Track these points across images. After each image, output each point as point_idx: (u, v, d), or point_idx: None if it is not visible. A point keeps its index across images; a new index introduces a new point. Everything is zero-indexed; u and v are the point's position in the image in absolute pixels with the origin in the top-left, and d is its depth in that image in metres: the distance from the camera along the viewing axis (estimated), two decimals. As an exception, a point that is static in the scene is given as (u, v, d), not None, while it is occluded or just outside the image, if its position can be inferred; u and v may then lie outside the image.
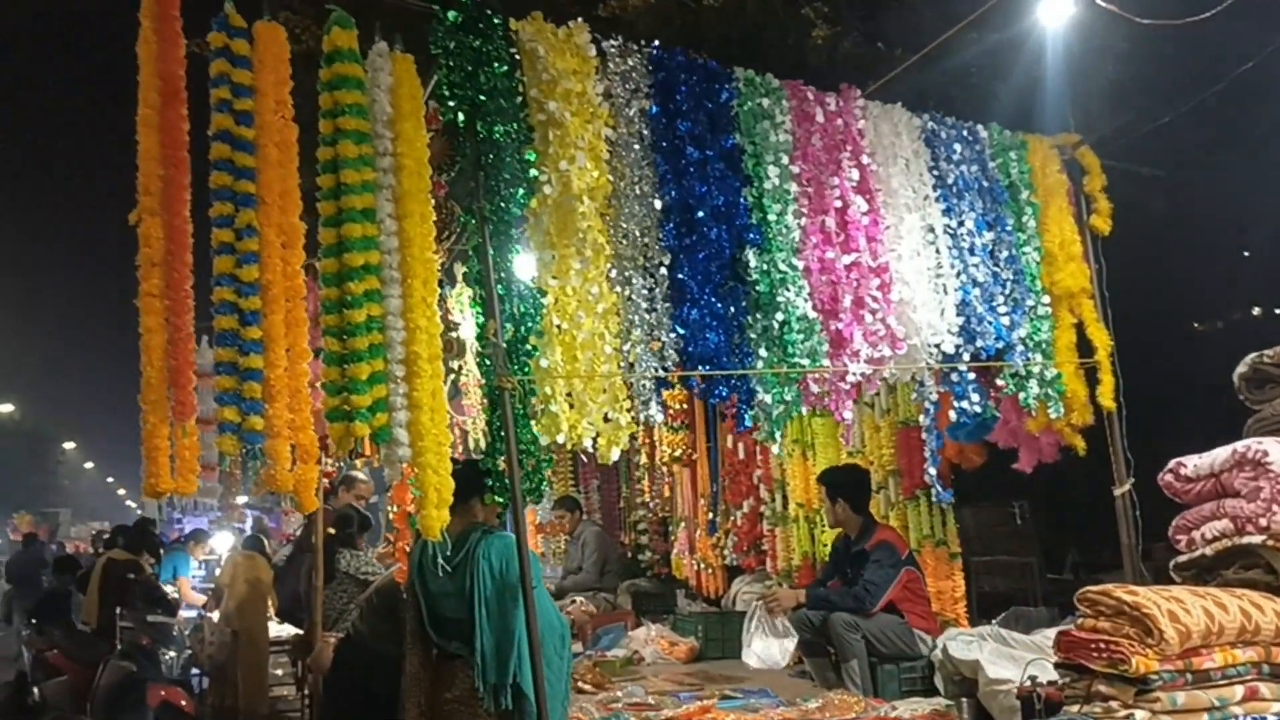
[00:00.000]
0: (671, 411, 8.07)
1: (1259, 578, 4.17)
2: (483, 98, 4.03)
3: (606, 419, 4.21)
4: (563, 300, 4.20)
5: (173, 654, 9.53)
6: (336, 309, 3.76)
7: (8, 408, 43.49)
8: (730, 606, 7.93)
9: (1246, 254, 8.19)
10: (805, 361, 4.58)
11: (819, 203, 4.83)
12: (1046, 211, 5.54)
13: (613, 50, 4.49)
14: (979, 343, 5.18)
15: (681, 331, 4.41)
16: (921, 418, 5.98)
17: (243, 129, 3.66)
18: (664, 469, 9.15)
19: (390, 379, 3.79)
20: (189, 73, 3.67)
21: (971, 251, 5.26)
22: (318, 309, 3.87)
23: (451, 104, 4.01)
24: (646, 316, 4.38)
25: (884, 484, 6.89)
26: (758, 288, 4.59)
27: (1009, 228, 5.43)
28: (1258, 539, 4.20)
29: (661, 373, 4.35)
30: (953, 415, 5.23)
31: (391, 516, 7.64)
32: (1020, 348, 5.31)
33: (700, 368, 4.42)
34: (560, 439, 4.13)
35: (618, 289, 4.36)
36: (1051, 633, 5.29)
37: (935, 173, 5.27)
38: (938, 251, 5.16)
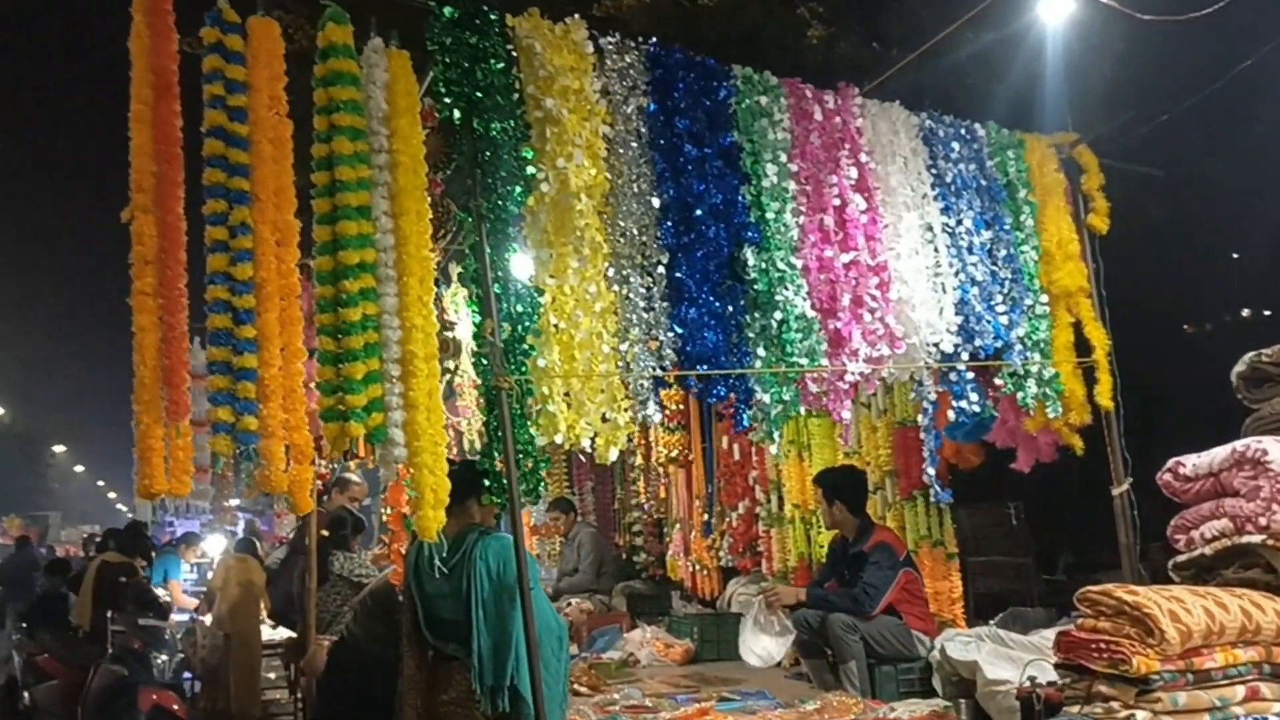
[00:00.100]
0: (668, 412, 8.04)
1: (1259, 577, 4.16)
2: (479, 94, 3.99)
3: (604, 419, 4.18)
4: (560, 299, 4.17)
5: (164, 657, 9.48)
6: (331, 307, 3.71)
7: (-3, 410, 43.30)
8: (725, 608, 7.91)
9: (1235, 255, 8.21)
10: (804, 361, 4.55)
11: (817, 201, 4.80)
12: (1044, 210, 5.53)
13: (610, 47, 4.46)
14: (977, 342, 5.16)
15: (679, 331, 4.38)
16: (920, 417, 5.95)
17: (236, 125, 3.63)
18: (660, 470, 9.12)
19: (386, 378, 3.75)
20: (182, 69, 3.64)
21: (970, 250, 5.24)
22: (312, 308, 3.83)
23: (448, 101, 3.98)
24: (644, 315, 4.35)
25: (881, 485, 6.87)
26: (756, 286, 4.56)
27: (1007, 226, 5.41)
28: (1257, 538, 4.19)
29: (659, 372, 4.32)
30: (951, 415, 5.21)
31: (386, 518, 7.61)
32: (1018, 347, 5.30)
33: (698, 367, 4.39)
34: (558, 439, 4.10)
35: (615, 288, 4.32)
36: (1049, 633, 5.28)
37: (933, 171, 5.25)
38: (936, 250, 5.14)
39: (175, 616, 10.46)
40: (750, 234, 4.59)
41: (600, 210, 4.31)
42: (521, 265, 4.21)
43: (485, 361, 3.98)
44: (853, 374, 4.71)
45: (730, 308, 4.53)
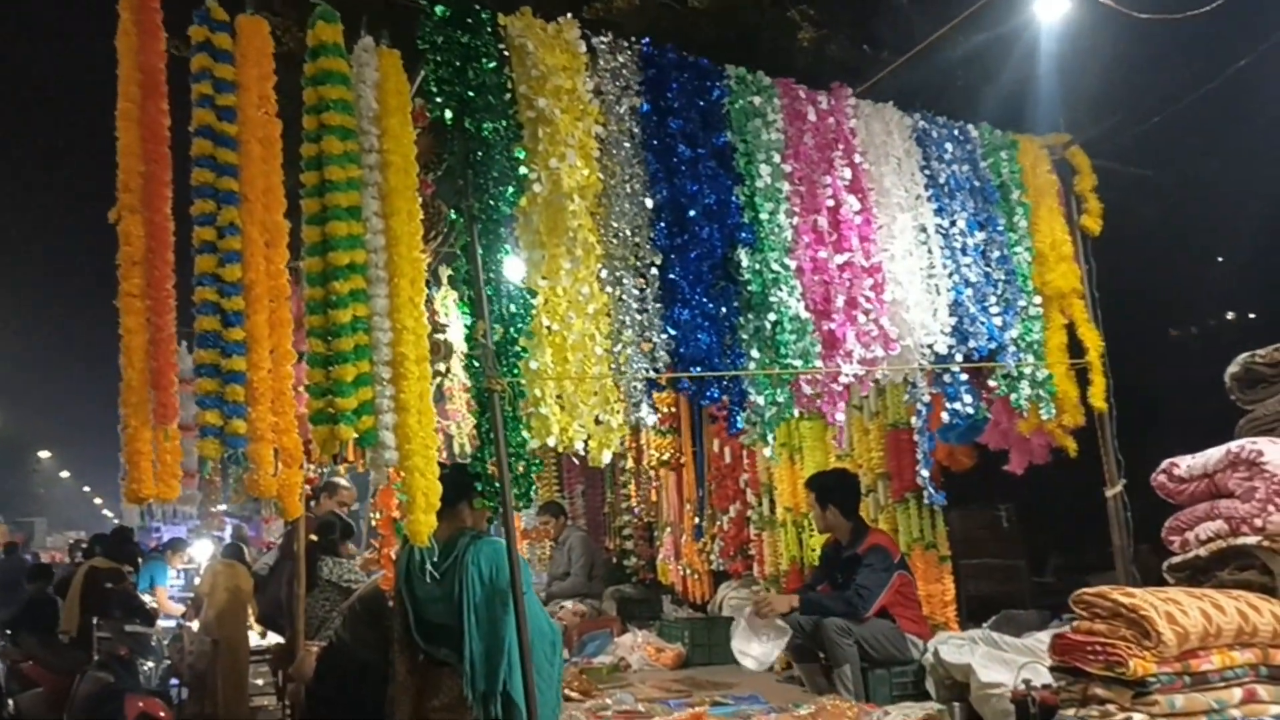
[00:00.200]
0: (660, 414, 8.01)
1: (1254, 578, 4.14)
2: (471, 94, 3.97)
3: (598, 421, 4.15)
4: (553, 301, 4.14)
5: (151, 664, 9.41)
6: (321, 309, 3.68)
7: (-19, 415, 42.97)
8: (717, 612, 7.87)
9: (1220, 259, 8.22)
10: (798, 362, 4.53)
11: (811, 202, 4.78)
12: (1037, 212, 5.52)
13: (603, 47, 4.44)
14: (971, 343, 5.15)
15: (673, 332, 4.35)
16: (914, 419, 5.93)
17: (225, 124, 3.58)
18: (652, 473, 9.09)
19: (376, 381, 3.71)
20: (170, 69, 3.60)
21: (964, 251, 5.23)
22: (301, 311, 3.79)
23: (439, 100, 3.95)
24: (637, 317, 4.32)
25: (873, 487, 6.84)
26: (750, 288, 4.54)
27: (1000, 228, 5.40)
28: (1253, 540, 4.17)
29: (653, 374, 4.29)
30: (945, 417, 5.20)
31: (376, 523, 7.56)
32: (1012, 348, 5.28)
33: (692, 369, 4.37)
34: (551, 441, 4.07)
35: (608, 289, 4.30)
36: (1043, 636, 5.27)
37: (927, 172, 5.24)
38: (930, 251, 5.12)
39: (162, 623, 10.40)
40: (744, 235, 4.57)
41: (593, 211, 4.28)
42: (514, 266, 4.18)
43: (477, 364, 3.95)
44: (847, 376, 4.68)
45: (724, 309, 4.50)
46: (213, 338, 3.48)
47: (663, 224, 4.42)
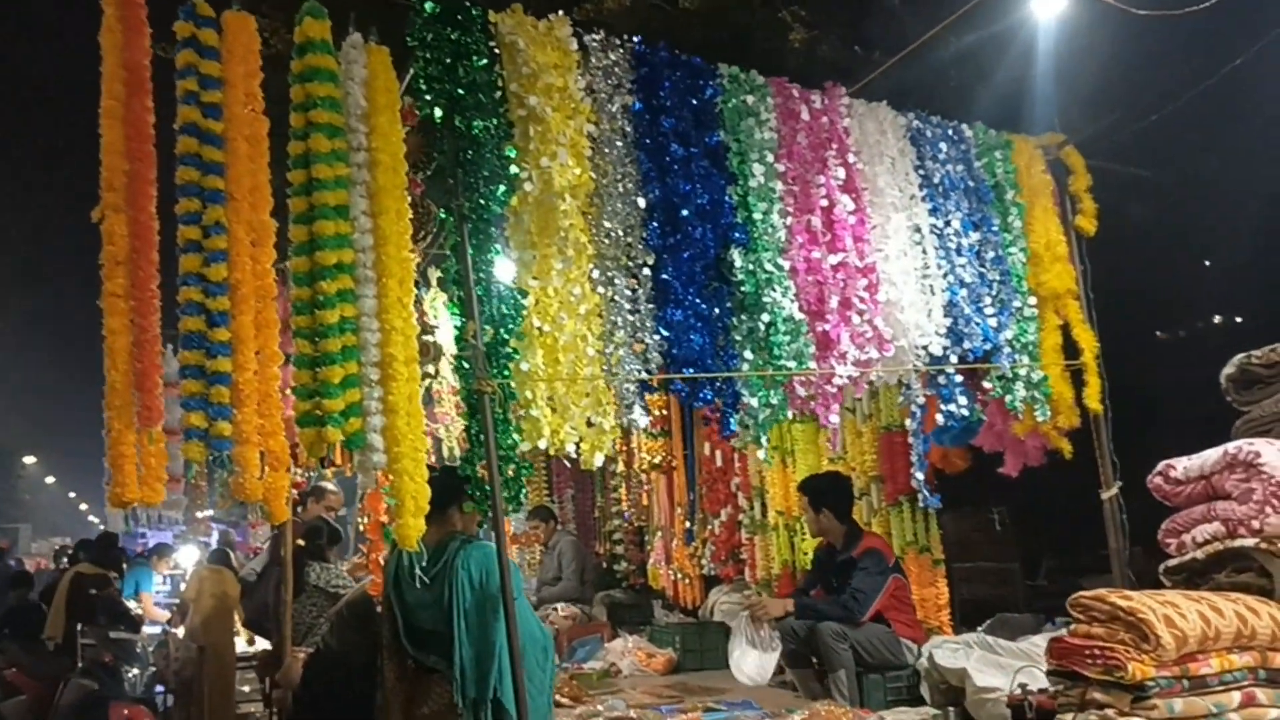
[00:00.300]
0: (651, 417, 7.96)
1: (1252, 581, 4.11)
2: (461, 92, 3.91)
3: (589, 423, 4.09)
4: (544, 301, 4.09)
5: (136, 671, 9.33)
6: (308, 310, 3.61)
7: (-36, 421, 42.68)
8: (708, 617, 7.82)
9: (1207, 264, 8.22)
10: (791, 364, 4.49)
11: (805, 202, 4.75)
12: (1032, 212, 5.49)
13: (595, 45, 4.39)
14: (966, 344, 5.11)
15: (665, 333, 4.31)
16: (908, 421, 5.90)
17: (211, 122, 3.54)
18: (643, 476, 9.03)
19: (364, 383, 3.65)
20: (155, 67, 3.54)
21: (958, 252, 5.20)
22: (288, 313, 3.73)
23: (429, 98, 3.89)
24: (630, 318, 4.27)
25: (866, 490, 6.80)
26: (743, 288, 4.50)
27: (995, 228, 5.37)
28: (1250, 542, 4.14)
29: (645, 376, 4.24)
30: (940, 418, 5.16)
31: (363, 527, 7.50)
32: (1007, 349, 5.25)
33: (685, 370, 4.32)
34: (542, 444, 4.01)
35: (600, 290, 4.24)
36: (1038, 639, 5.24)
37: (921, 172, 5.20)
38: (924, 252, 5.09)
39: (147, 629, 10.31)
40: (737, 235, 4.53)
41: (585, 211, 4.23)
42: (504, 267, 4.12)
43: (467, 365, 3.90)
44: (841, 377, 4.64)
45: (717, 310, 4.46)
46: (197, 338, 3.43)
47: (655, 224, 4.38)
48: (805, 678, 5.60)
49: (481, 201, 3.94)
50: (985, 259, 5.31)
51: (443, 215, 4.03)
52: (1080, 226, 5.55)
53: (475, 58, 3.98)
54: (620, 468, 9.37)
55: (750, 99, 4.71)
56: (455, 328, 3.99)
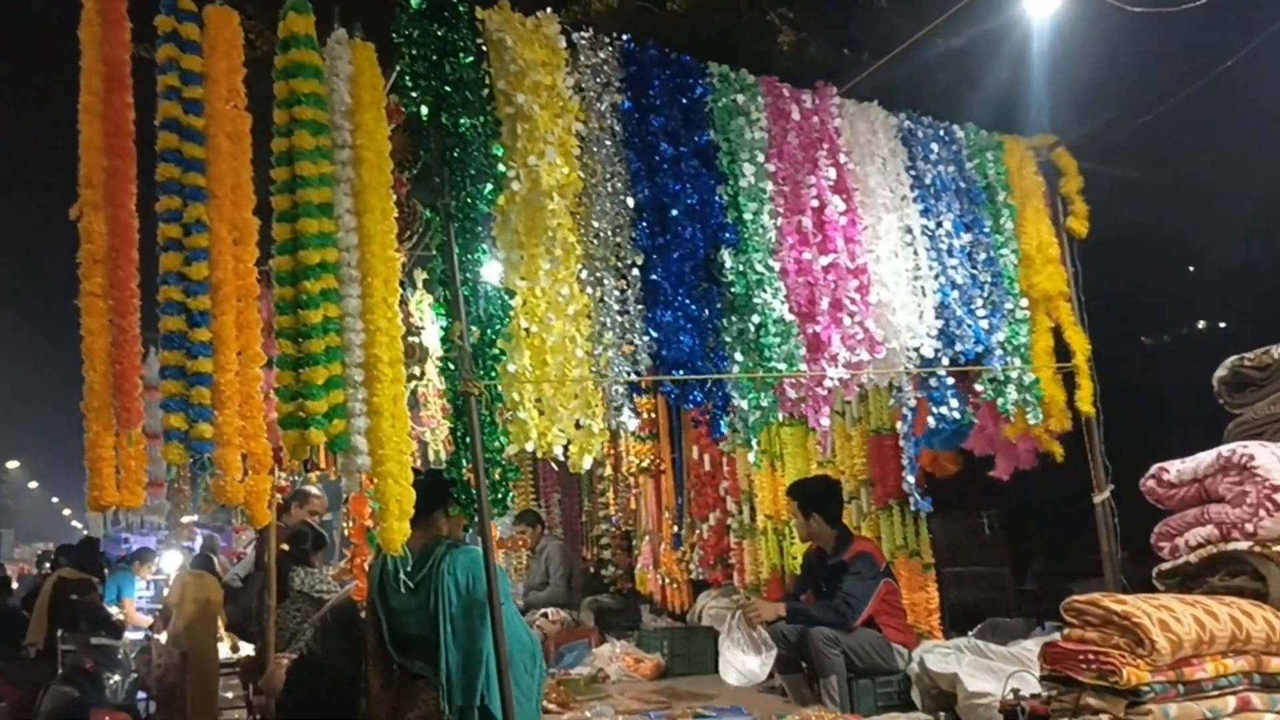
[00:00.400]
0: (640, 420, 7.91)
1: (1246, 584, 4.08)
2: (448, 89, 3.86)
3: (578, 426, 4.04)
4: (531, 302, 4.04)
5: (117, 678, 9.22)
6: (291, 310, 3.55)
7: (-54, 426, 42.35)
8: (696, 622, 7.78)
9: (1191, 269, 8.22)
10: (782, 365, 4.44)
11: (795, 202, 4.70)
12: (1023, 213, 5.47)
13: (583, 43, 4.35)
14: (958, 346, 5.07)
15: (655, 334, 4.26)
16: (899, 424, 5.85)
17: (192, 118, 3.49)
18: (631, 480, 8.98)
19: (348, 384, 3.60)
20: (135, 63, 3.48)
21: (950, 253, 5.16)
22: (271, 314, 3.67)
23: (415, 95, 3.84)
24: (619, 319, 4.22)
25: (856, 494, 6.76)
26: (733, 289, 4.45)
27: (986, 229, 5.34)
28: (1244, 545, 4.11)
29: (634, 378, 4.19)
30: (931, 421, 5.12)
31: (348, 532, 7.43)
32: (999, 352, 5.22)
33: (674, 372, 4.27)
34: (529, 447, 3.95)
35: (589, 290, 4.20)
36: (1029, 644, 5.21)
37: (912, 173, 5.17)
38: (916, 253, 5.05)
39: (129, 635, 10.20)
40: (727, 235, 4.49)
41: (573, 210, 4.19)
42: (491, 267, 4.07)
43: (453, 366, 3.83)
44: (832, 379, 4.60)
45: (707, 311, 4.42)
46: (178, 338, 3.38)
47: (644, 224, 4.33)
48: (795, 683, 5.55)
49: (468, 200, 3.88)
50: (977, 260, 5.28)
51: (429, 214, 3.98)
52: (1072, 228, 5.52)
53: (462, 54, 3.93)
54: (608, 471, 9.32)
55: (740, 98, 4.67)
56: (442, 328, 3.93)
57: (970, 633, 5.75)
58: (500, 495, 3.85)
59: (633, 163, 4.35)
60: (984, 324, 5.18)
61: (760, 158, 4.65)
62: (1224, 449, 4.25)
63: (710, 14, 8.42)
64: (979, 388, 5.21)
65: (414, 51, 3.85)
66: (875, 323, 4.79)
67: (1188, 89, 5.57)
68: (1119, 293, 6.34)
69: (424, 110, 3.85)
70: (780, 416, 4.65)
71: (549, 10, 4.27)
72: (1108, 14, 5.11)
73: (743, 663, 5.59)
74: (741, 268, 4.47)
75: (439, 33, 3.88)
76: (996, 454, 5.77)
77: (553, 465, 5.17)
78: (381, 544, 3.61)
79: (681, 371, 4.29)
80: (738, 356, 4.42)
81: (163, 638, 8.31)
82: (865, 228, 4.90)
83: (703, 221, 4.43)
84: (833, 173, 4.82)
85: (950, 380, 5.11)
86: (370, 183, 3.70)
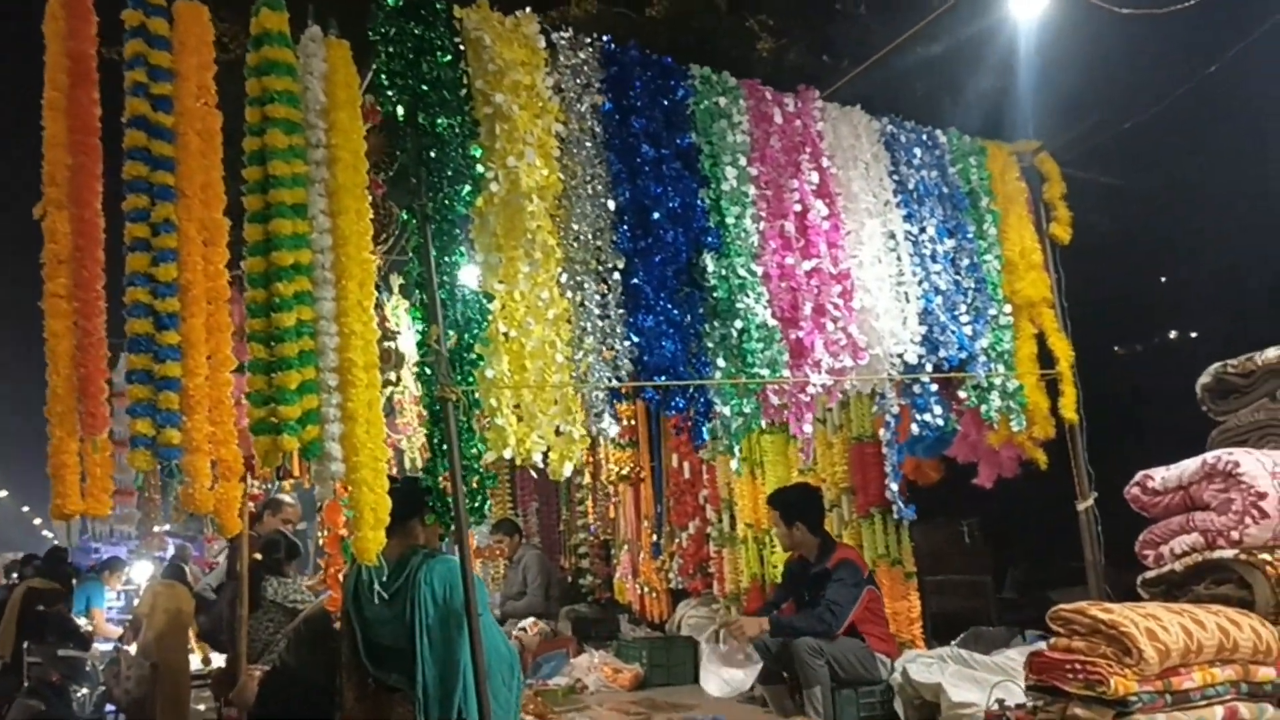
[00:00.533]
0: (620, 426, 7.83)
1: (1232, 593, 4.06)
2: (425, 88, 3.78)
3: (558, 432, 3.96)
4: (510, 306, 3.96)
5: (85, 691, 9.04)
6: (263, 312, 3.46)
7: (-86, 433, 41.75)
8: (675, 631, 7.72)
9: (1164, 279, 8.24)
10: (765, 371, 4.38)
11: (778, 206, 4.65)
12: (1006, 219, 5.44)
13: (563, 43, 4.28)
14: (941, 353, 5.03)
15: (636, 339, 4.19)
16: (882, 431, 5.80)
17: (160, 115, 3.38)
18: (611, 488, 8.91)
19: (322, 389, 3.51)
20: (103, 62, 3.38)
21: (933, 259, 5.12)
22: (242, 318, 3.57)
23: (391, 94, 3.76)
24: (599, 323, 4.15)
25: (837, 502, 6.72)
26: (716, 294, 4.39)
27: (970, 235, 5.31)
28: (1229, 553, 4.10)
29: (615, 383, 4.12)
30: (914, 428, 5.07)
31: (322, 541, 7.32)
32: (982, 358, 5.18)
33: (656, 378, 4.20)
34: (508, 454, 3.87)
35: (569, 294, 4.12)
36: (1013, 653, 5.19)
37: (895, 177, 5.13)
38: (899, 259, 5.01)
39: (99, 646, 10.02)
40: (710, 239, 4.43)
41: (553, 212, 4.11)
42: (469, 270, 3.99)
43: (430, 372, 3.75)
44: (815, 386, 4.54)
45: (689, 316, 4.35)
46: (145, 342, 3.27)
47: (625, 227, 4.27)
48: (778, 694, 5.47)
49: (446, 202, 3.81)
50: (960, 266, 5.24)
51: (405, 216, 3.90)
52: (1055, 234, 5.50)
53: (439, 53, 3.86)
54: (586, 479, 9.25)
55: (722, 101, 4.62)
56: (419, 332, 3.84)
57: (953, 642, 5.71)
58: (478, 504, 3.78)
59: (613, 165, 4.29)
60: (967, 330, 5.15)
61: (742, 161, 4.59)
62: (1209, 456, 4.24)
63: (689, 20, 8.39)
64: (962, 394, 5.17)
65: (390, 50, 3.77)
66: (858, 328, 4.74)
67: (1170, 95, 5.56)
68: (1102, 299, 6.33)
69: (400, 110, 3.78)
70: (763, 423, 4.59)
71: (528, 10, 4.20)
72: (1088, 20, 5.11)
73: (728, 675, 5.52)
74: (724, 272, 4.41)
75: (416, 31, 3.81)
76: (979, 461, 5.74)
77: (532, 473, 5.09)
78: (356, 553, 3.52)
79: (663, 377, 4.23)
80: (720, 362, 4.36)
81: (132, 649, 8.16)
82: (848, 233, 4.85)
83: (685, 225, 4.37)
84: (815, 177, 4.77)
85: (934, 387, 5.07)
86: (345, 183, 3.61)
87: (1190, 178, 6.54)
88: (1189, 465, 4.29)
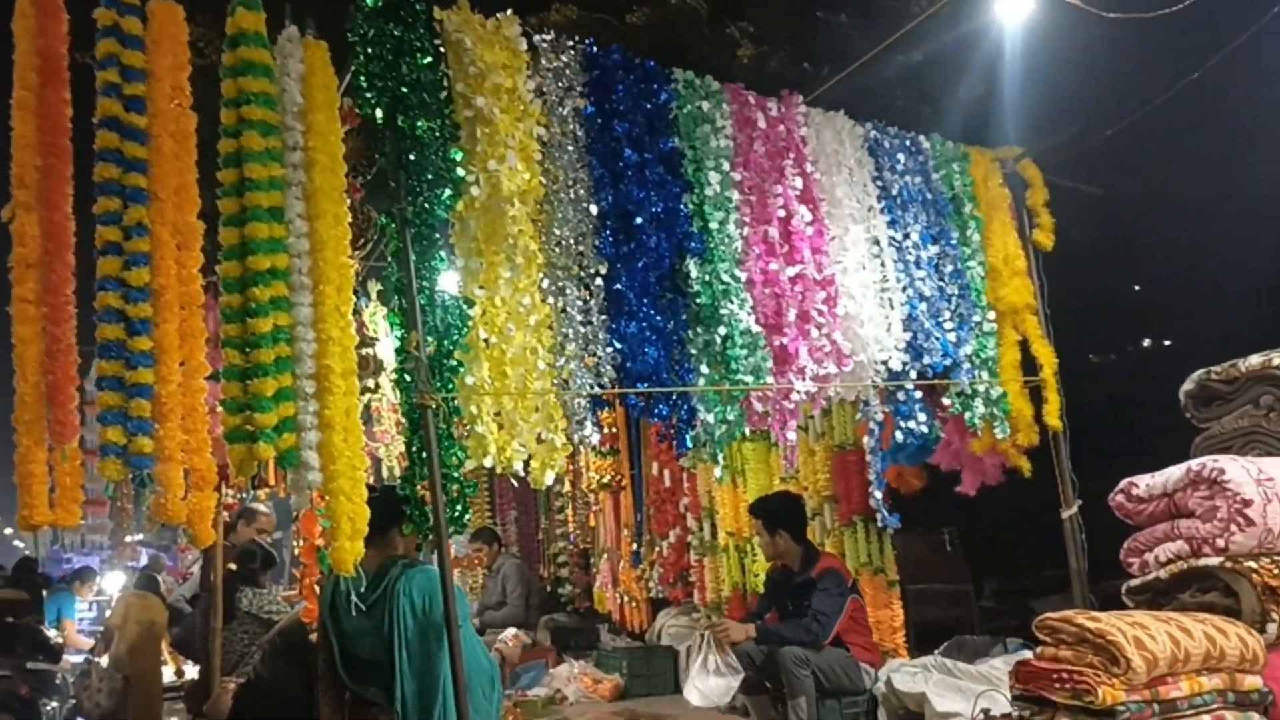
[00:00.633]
0: (604, 434, 7.78)
1: (1218, 601, 4.03)
2: (404, 90, 3.72)
3: (539, 440, 3.90)
4: (491, 312, 3.90)
5: (55, 704, 8.88)
6: (239, 318, 3.40)
7: (-118, 442, 41.18)
8: (655, 641, 7.66)
9: (1136, 288, 8.27)
10: (748, 378, 4.34)
11: (762, 212, 4.62)
12: (990, 225, 5.43)
13: (545, 45, 4.23)
14: (926, 360, 5.01)
15: (619, 346, 4.15)
16: (866, 439, 5.77)
17: (133, 116, 3.31)
18: (592, 496, 8.85)
19: (299, 396, 3.44)
20: (74, 61, 3.31)
21: (917, 265, 5.10)
22: (217, 324, 3.50)
23: (370, 96, 3.70)
24: (581, 330, 4.10)
25: (819, 511, 6.68)
26: (699, 300, 4.35)
27: (954, 241, 5.30)
28: (1214, 561, 4.07)
29: (598, 390, 4.06)
30: (898, 436, 5.04)
31: (298, 551, 7.22)
32: (966, 365, 5.16)
33: (639, 385, 4.15)
34: (488, 462, 3.81)
35: (550, 300, 4.07)
36: (997, 662, 5.16)
37: (879, 183, 5.12)
38: (883, 265, 4.99)
39: (69, 658, 9.86)
40: (693, 245, 4.39)
41: (534, 217, 4.06)
42: (449, 275, 3.93)
43: (409, 379, 3.69)
44: (799, 393, 4.50)
45: (672, 322, 4.31)
46: (116, 347, 3.19)
47: (608, 232, 4.23)
48: (761, 705, 5.41)
49: (425, 206, 3.75)
50: (944, 272, 5.22)
51: (384, 221, 3.84)
52: (1038, 241, 5.49)
53: (419, 55, 3.80)
54: (566, 488, 9.18)
55: (706, 105, 4.58)
56: (398, 338, 3.78)
57: (937, 651, 5.67)
58: (458, 513, 3.71)
59: (596, 169, 4.24)
60: (952, 337, 5.13)
61: (726, 166, 4.56)
62: (1194, 463, 4.21)
63: (670, 27, 8.36)
64: (946, 401, 5.15)
65: (369, 51, 3.71)
66: (843, 335, 4.71)
67: (1152, 102, 5.57)
68: (1085, 305, 6.34)
69: (379, 112, 3.72)
70: (746, 430, 4.54)
71: (509, 12, 4.14)
72: (1069, 27, 5.10)
73: (711, 684, 5.47)
74: (707, 278, 4.37)
75: (395, 32, 3.75)
76: (963, 469, 5.71)
77: (513, 481, 5.02)
78: (333, 564, 3.45)
79: (646, 384, 4.18)
80: (703, 369, 4.32)
81: (104, 661, 8.05)
82: (832, 238, 4.82)
83: (668, 230, 4.32)
84: (799, 182, 4.74)
85: (918, 394, 5.04)
86: (323, 186, 3.55)
87: (1172, 184, 6.57)
88: (1173, 472, 4.27)
